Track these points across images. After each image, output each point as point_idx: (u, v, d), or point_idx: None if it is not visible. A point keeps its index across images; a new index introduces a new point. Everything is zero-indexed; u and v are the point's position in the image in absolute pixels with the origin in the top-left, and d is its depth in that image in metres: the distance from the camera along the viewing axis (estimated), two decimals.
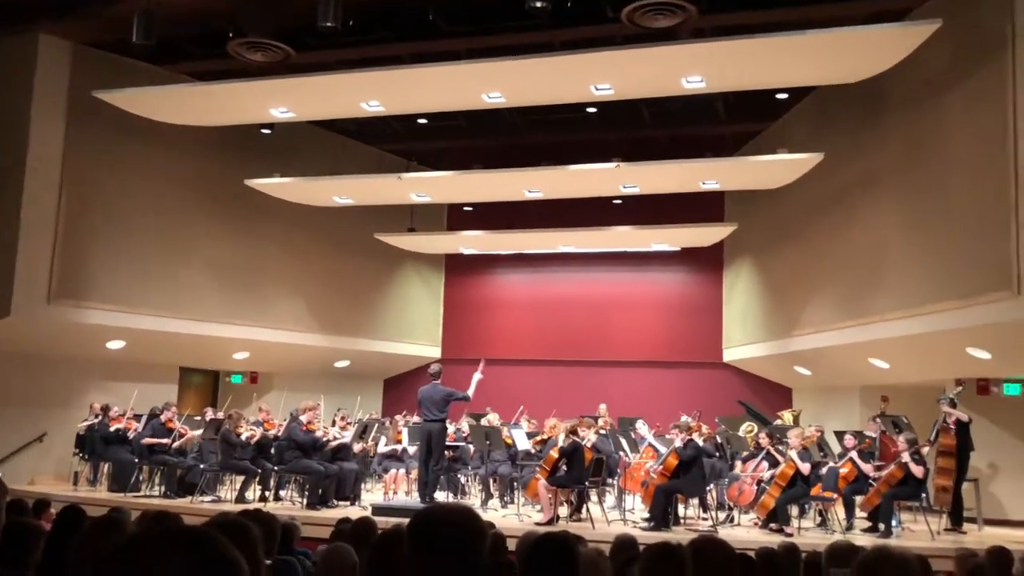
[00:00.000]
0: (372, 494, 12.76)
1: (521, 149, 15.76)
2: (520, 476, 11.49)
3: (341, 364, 17.68)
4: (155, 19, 10.53)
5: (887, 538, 9.61)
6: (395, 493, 12.33)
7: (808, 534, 10.00)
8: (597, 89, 10.67)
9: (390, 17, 11.73)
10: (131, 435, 12.45)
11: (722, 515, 11.12)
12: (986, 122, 9.88)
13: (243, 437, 11.63)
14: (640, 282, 18.37)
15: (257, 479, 11.79)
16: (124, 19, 10.85)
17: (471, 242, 17.06)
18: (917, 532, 10.28)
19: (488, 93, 11.02)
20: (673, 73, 10.24)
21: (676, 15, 9.75)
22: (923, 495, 10.43)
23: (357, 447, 12.29)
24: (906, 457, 10.02)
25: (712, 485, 11.21)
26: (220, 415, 12.71)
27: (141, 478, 12.56)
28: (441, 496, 11.55)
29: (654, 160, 12.88)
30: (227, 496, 11.88)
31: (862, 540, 9.03)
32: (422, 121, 15.29)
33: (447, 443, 11.59)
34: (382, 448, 13.04)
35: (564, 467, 10.51)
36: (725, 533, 9.71)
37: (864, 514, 10.60)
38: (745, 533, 10.13)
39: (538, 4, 9.53)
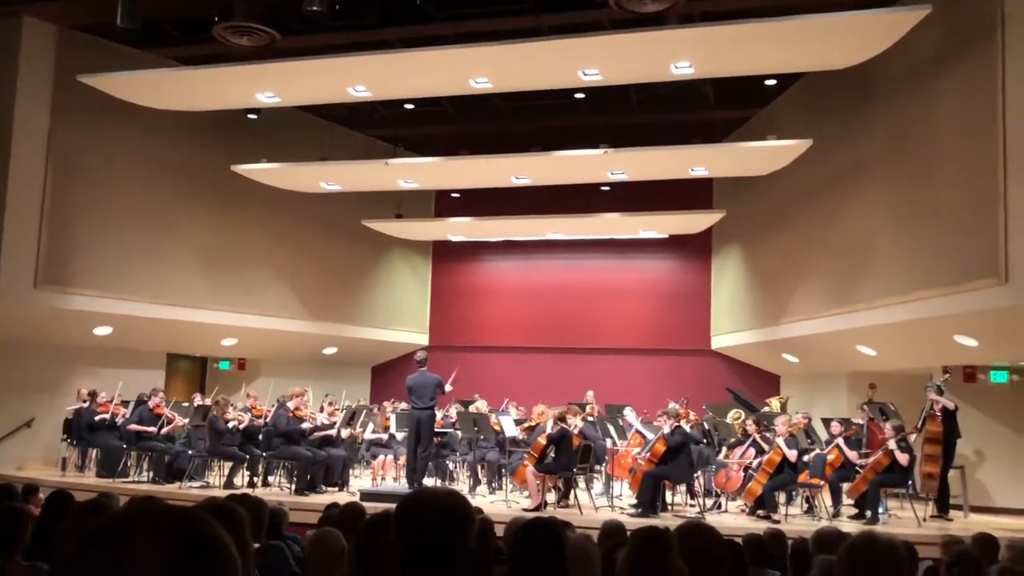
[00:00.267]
0: (360, 480, 12.77)
1: (508, 135, 15.72)
2: (508, 463, 11.51)
3: (329, 351, 17.65)
4: (139, 3, 10.42)
5: (873, 525, 9.67)
6: (383, 479, 12.34)
7: (795, 521, 10.05)
8: (585, 74, 10.63)
9: (377, 1, 11.65)
10: (119, 421, 12.40)
11: (709, 501, 11.16)
12: (975, 109, 9.89)
13: (230, 424, 11.59)
14: (628, 269, 18.38)
15: (245, 465, 11.78)
16: (108, 2, 10.73)
17: (459, 229, 17.02)
18: (903, 519, 10.35)
19: (475, 78, 10.96)
20: (661, 58, 10.21)
21: (664, 0, 9.71)
22: (909, 482, 10.49)
23: (345, 433, 12.28)
24: (892, 444, 10.07)
25: (699, 472, 11.24)
26: (208, 401, 12.67)
27: (129, 464, 12.53)
28: (429, 482, 11.56)
29: (642, 146, 12.86)
30: (215, 482, 11.86)
31: (849, 527, 9.08)
32: (409, 107, 15.23)
33: (435, 429, 11.61)
34: (369, 435, 13.04)
35: (552, 454, 10.53)
36: (712, 519, 9.75)
37: (851, 501, 10.66)
38: (732, 519, 10.18)
39: None
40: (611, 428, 11.83)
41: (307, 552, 3.73)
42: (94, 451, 12.83)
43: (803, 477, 10.50)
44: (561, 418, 10.68)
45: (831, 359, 14.18)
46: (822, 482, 10.54)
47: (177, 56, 13.36)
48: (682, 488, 11.37)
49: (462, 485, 12.59)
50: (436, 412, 11.63)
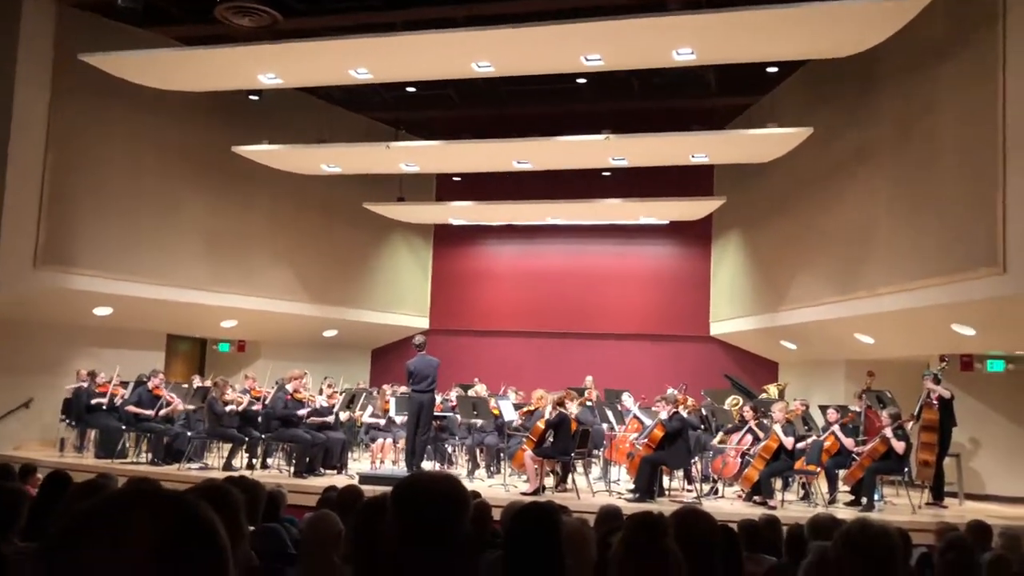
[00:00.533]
0: (359, 463, 12.82)
1: (510, 120, 15.70)
2: (507, 447, 11.55)
3: (329, 333, 17.68)
4: None
5: (869, 512, 9.71)
6: (382, 462, 12.38)
7: (791, 507, 10.09)
8: (587, 60, 10.61)
9: None
10: (118, 402, 12.43)
11: (706, 487, 11.20)
12: (975, 98, 9.87)
13: (228, 408, 11.57)
14: (628, 255, 18.39)
15: (244, 447, 11.81)
16: None
17: (460, 212, 17.01)
18: (899, 506, 10.40)
19: (477, 62, 10.93)
20: (664, 44, 10.18)
21: None
22: (905, 470, 10.53)
23: (344, 416, 12.31)
24: (888, 432, 10.10)
25: (697, 457, 11.28)
26: (207, 383, 12.69)
27: (128, 445, 12.56)
28: (428, 465, 11.60)
29: (644, 132, 12.85)
30: (214, 464, 11.89)
31: (844, 513, 9.12)
32: (411, 90, 15.19)
33: (435, 413, 11.65)
34: (367, 418, 13.07)
35: (551, 438, 10.56)
36: (709, 505, 9.80)
37: (847, 488, 10.70)
38: (729, 505, 10.22)
39: None
40: (609, 413, 11.86)
41: (304, 534, 3.75)
42: (93, 432, 12.85)
43: (799, 464, 10.53)
44: (560, 403, 10.71)
45: (829, 347, 14.20)
46: (818, 469, 10.58)
47: (178, 36, 13.32)
48: (679, 474, 11.41)
49: (461, 469, 12.64)
50: (436, 396, 11.65)
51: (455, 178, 18.12)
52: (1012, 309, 9.65)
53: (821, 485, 10.68)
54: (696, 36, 9.90)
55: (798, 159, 12.74)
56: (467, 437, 12.41)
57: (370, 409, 13.19)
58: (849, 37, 9.79)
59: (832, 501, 10.47)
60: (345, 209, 16.80)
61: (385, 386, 14.35)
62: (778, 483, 10.67)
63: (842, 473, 10.66)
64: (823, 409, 11.60)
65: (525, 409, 11.74)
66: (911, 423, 10.84)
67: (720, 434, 11.55)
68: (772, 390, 14.37)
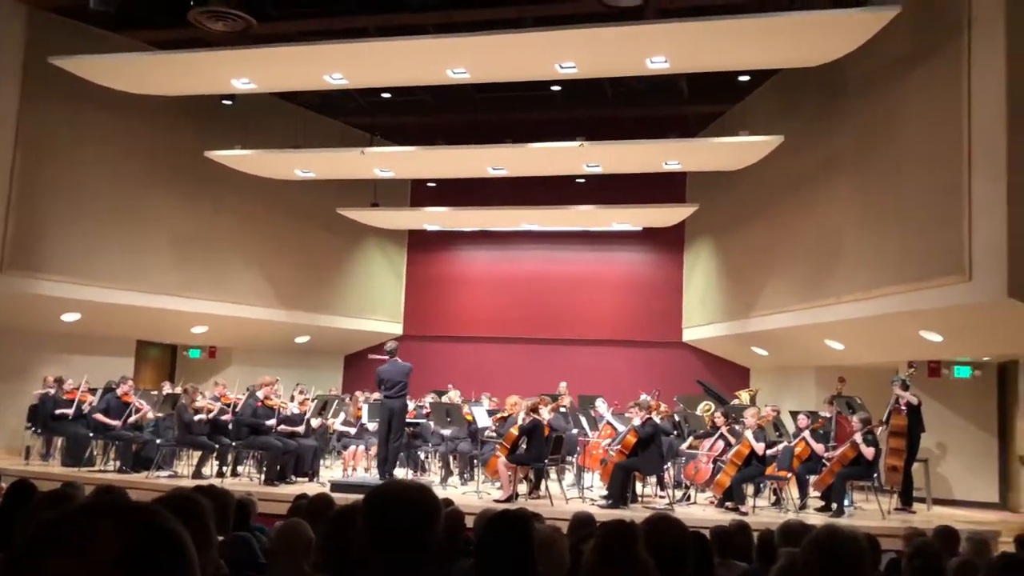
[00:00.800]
0: (331, 470, 12.74)
1: (485, 126, 15.71)
2: (480, 454, 11.53)
3: (301, 339, 17.58)
4: None
5: (839, 517, 9.80)
6: (354, 470, 12.31)
7: (763, 512, 10.15)
8: (562, 67, 10.65)
9: None
10: (86, 408, 12.26)
11: (679, 493, 11.25)
12: (941, 109, 10.02)
13: (197, 418, 11.43)
14: (602, 261, 18.45)
15: (215, 455, 11.70)
16: None
17: (434, 218, 17.00)
18: (868, 511, 10.49)
19: (453, 68, 10.95)
20: (637, 53, 10.25)
21: None
22: (875, 475, 10.64)
23: (316, 423, 12.24)
24: (858, 438, 10.20)
25: (669, 463, 11.33)
26: (177, 390, 12.56)
27: (95, 453, 12.39)
28: (401, 473, 11.56)
29: (617, 140, 12.91)
30: (184, 472, 11.77)
31: (815, 519, 9.21)
32: (386, 95, 15.16)
33: (407, 420, 11.60)
34: (339, 425, 13.01)
35: (524, 445, 10.56)
36: (681, 511, 9.84)
37: (817, 493, 10.78)
38: (701, 511, 10.28)
39: None
40: (583, 419, 11.89)
41: (273, 543, 3.73)
42: (59, 439, 12.66)
43: (771, 469, 10.61)
44: (533, 409, 10.70)
45: (800, 353, 14.33)
46: (789, 474, 10.66)
47: (152, 40, 13.22)
48: (652, 480, 11.45)
49: (434, 476, 12.61)
50: (408, 402, 11.61)
51: (430, 184, 18.11)
52: (978, 316, 9.80)
53: (792, 491, 10.77)
54: (669, 45, 9.99)
55: (769, 167, 12.86)
56: (440, 444, 12.38)
57: (342, 416, 13.12)
58: (818, 47, 9.93)
59: (803, 507, 10.56)
60: (319, 214, 16.73)
61: (358, 393, 14.29)
62: (750, 489, 10.73)
63: (813, 479, 10.75)
64: (794, 415, 11.69)
65: (499, 415, 11.74)
66: (880, 428, 10.95)
67: (691, 438, 11.61)
68: (744, 396, 14.46)
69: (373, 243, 18.64)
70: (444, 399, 13.12)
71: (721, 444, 10.87)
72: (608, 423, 11.84)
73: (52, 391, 12.58)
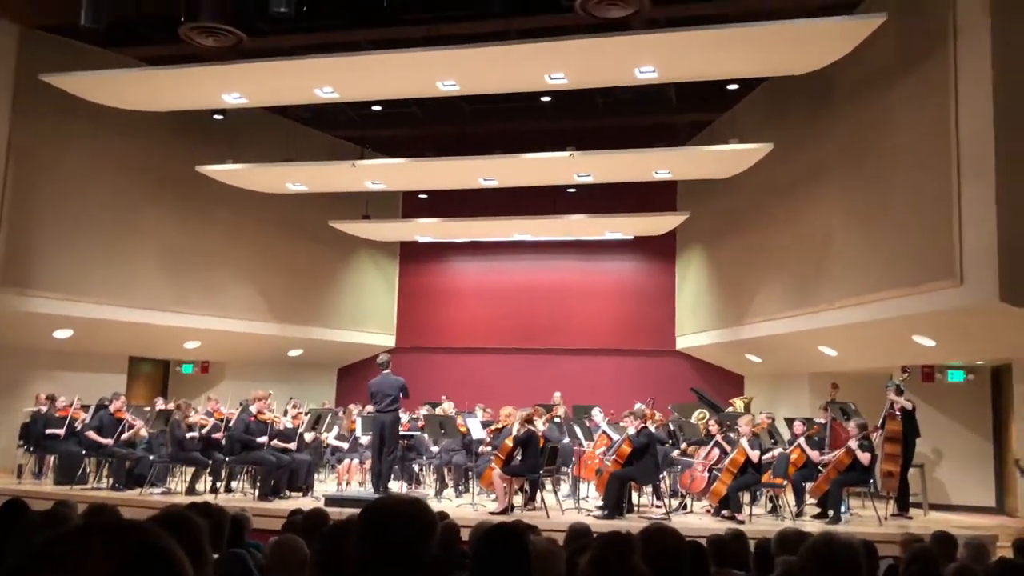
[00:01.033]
0: (325, 484, 12.68)
1: (476, 137, 15.74)
2: (475, 466, 11.50)
3: (294, 353, 17.53)
4: (104, 2, 10.31)
5: (836, 524, 9.79)
6: (348, 484, 12.26)
7: (759, 520, 10.14)
8: (551, 78, 10.68)
9: (345, 3, 11.60)
10: (78, 426, 12.19)
11: (675, 502, 11.23)
12: (930, 115, 10.09)
13: (189, 435, 11.37)
14: (594, 270, 18.47)
15: (208, 470, 11.64)
16: (73, 1, 10.60)
17: (426, 230, 17.00)
18: (865, 518, 10.48)
19: (443, 81, 10.97)
20: (626, 63, 10.29)
21: (629, 5, 9.78)
22: (870, 481, 10.63)
23: (309, 437, 12.19)
24: (853, 444, 10.20)
25: (665, 472, 11.32)
26: (170, 405, 12.51)
27: (88, 470, 12.32)
28: (395, 486, 11.52)
29: (607, 149, 12.95)
30: (177, 488, 11.71)
31: (811, 526, 9.20)
32: (376, 108, 15.18)
33: (401, 432, 11.56)
34: (332, 438, 12.97)
35: (519, 456, 10.54)
36: (678, 520, 9.82)
37: (813, 500, 10.78)
38: (697, 520, 10.25)
39: None
40: (577, 429, 11.87)
41: (268, 559, 3.71)
42: (52, 457, 12.58)
43: (766, 477, 10.60)
44: (528, 420, 10.68)
45: (793, 359, 14.35)
46: (785, 482, 10.66)
47: (142, 56, 13.22)
48: (648, 489, 11.43)
49: (428, 489, 12.57)
50: (401, 415, 11.57)
51: (421, 195, 18.12)
52: (970, 320, 9.84)
53: (788, 498, 10.76)
54: (657, 55, 10.03)
55: (759, 175, 12.91)
56: (435, 456, 12.34)
57: (336, 430, 13.08)
58: (805, 56, 9.98)
59: (799, 514, 10.54)
60: (310, 227, 16.72)
61: (351, 406, 14.25)
62: (746, 497, 10.73)
63: (809, 486, 10.74)
64: (789, 422, 11.70)
65: (493, 427, 11.71)
66: (875, 434, 10.96)
67: (684, 444, 11.62)
68: (738, 403, 14.46)
69: (365, 255, 18.63)
70: (438, 411, 13.09)
71: (716, 452, 10.86)
72: (604, 433, 11.83)
73: (44, 409, 12.50)
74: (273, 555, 3.62)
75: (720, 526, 8.60)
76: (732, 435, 11.01)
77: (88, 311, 13.49)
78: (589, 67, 10.56)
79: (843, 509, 10.38)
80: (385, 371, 10.96)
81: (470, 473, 11.80)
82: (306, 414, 12.43)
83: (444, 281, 19.28)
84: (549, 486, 11.61)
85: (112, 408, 12.10)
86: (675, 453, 11.45)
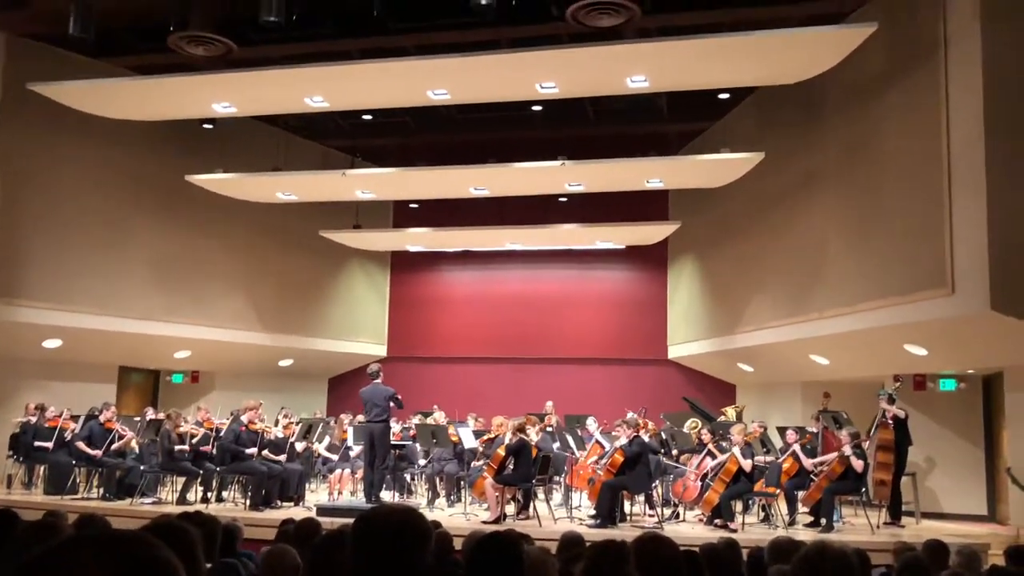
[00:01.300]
0: (316, 494, 12.63)
1: (466, 146, 15.75)
2: (467, 475, 11.47)
3: (285, 363, 17.48)
4: (92, 12, 10.31)
5: (828, 533, 9.80)
6: (340, 493, 12.22)
7: (752, 529, 10.14)
8: (542, 87, 10.69)
9: (334, 12, 11.61)
10: (68, 436, 12.13)
11: (668, 511, 11.22)
12: (921, 124, 10.13)
13: (177, 448, 11.31)
14: (586, 280, 18.47)
15: (199, 480, 11.59)
16: (61, 11, 10.59)
17: (417, 239, 16.98)
18: (857, 526, 10.50)
19: (433, 90, 10.97)
20: (617, 72, 10.31)
21: (620, 15, 9.82)
22: (863, 489, 10.64)
23: (300, 447, 12.16)
24: (848, 451, 10.21)
25: (657, 481, 11.31)
26: (160, 415, 12.45)
27: (79, 480, 12.25)
28: (387, 495, 11.48)
29: (599, 159, 12.96)
30: (168, 498, 11.65)
31: (804, 535, 9.19)
32: (367, 117, 15.18)
33: (393, 442, 11.55)
34: (323, 449, 12.94)
35: (511, 465, 10.52)
36: (670, 529, 9.82)
37: (806, 509, 10.78)
38: (690, 529, 10.25)
39: (483, 2, 9.53)
40: (570, 439, 11.85)
41: (260, 569, 3.68)
42: (42, 467, 12.52)
43: (759, 486, 10.61)
44: (520, 429, 10.68)
45: (785, 368, 14.37)
46: (778, 490, 10.66)
47: (131, 65, 13.19)
48: (640, 498, 11.42)
49: (420, 498, 12.53)
50: (391, 424, 11.54)
51: (412, 205, 18.11)
52: (961, 329, 9.87)
53: (781, 507, 10.75)
54: (649, 64, 10.05)
55: (750, 184, 12.94)
56: (426, 466, 12.31)
57: (327, 440, 13.04)
58: (796, 65, 10.02)
59: (792, 523, 10.55)
60: (301, 237, 16.69)
61: (343, 415, 14.21)
62: (738, 506, 10.72)
63: (801, 494, 10.74)
64: (781, 431, 11.71)
65: (485, 436, 11.70)
66: (866, 442, 10.97)
67: (675, 452, 11.62)
68: (730, 412, 14.48)
69: (356, 265, 18.60)
70: (429, 420, 13.06)
71: (709, 461, 10.86)
72: (597, 442, 11.81)
73: (34, 419, 12.44)
74: (265, 565, 3.60)
75: (713, 535, 8.60)
76: (724, 444, 11.02)
77: (77, 321, 13.42)
78: (580, 76, 10.58)
79: (835, 518, 10.39)
80: (375, 381, 10.96)
81: (462, 482, 11.77)
82: (297, 424, 12.39)
83: (435, 291, 19.25)
84: (541, 495, 11.58)
85: (102, 418, 12.04)
86: (664, 459, 11.43)
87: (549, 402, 14.80)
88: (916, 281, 10.02)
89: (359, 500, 11.39)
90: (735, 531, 9.63)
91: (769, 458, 11.23)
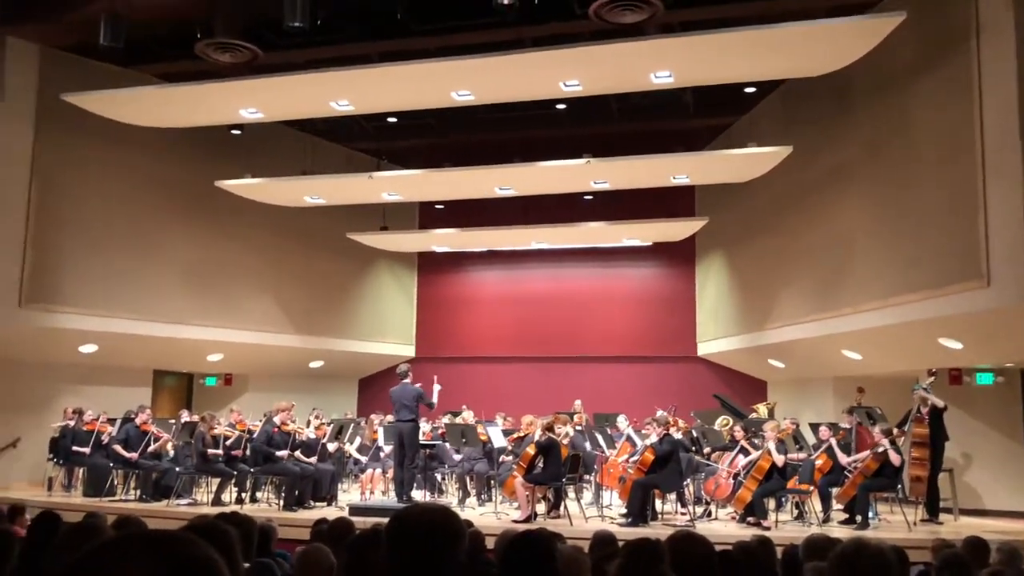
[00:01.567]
0: (348, 494, 12.72)
1: (491, 146, 15.76)
2: (497, 474, 11.49)
3: (315, 364, 17.60)
4: (122, 21, 10.44)
5: (863, 530, 9.70)
6: (372, 493, 12.29)
7: (785, 527, 10.06)
8: (566, 85, 10.67)
9: (358, 16, 11.67)
10: (105, 439, 12.33)
11: (699, 509, 11.17)
12: (952, 114, 9.98)
13: (211, 452, 11.43)
14: (613, 277, 18.42)
15: (233, 481, 11.71)
16: (91, 21, 10.74)
17: (443, 240, 17.02)
18: (894, 523, 10.37)
19: (457, 91, 10.99)
20: (641, 68, 10.26)
21: (643, 10, 9.78)
22: (899, 486, 10.51)
23: (332, 447, 12.25)
24: (886, 444, 10.09)
25: (689, 479, 11.25)
26: (195, 418, 12.61)
27: (116, 482, 12.44)
28: (418, 495, 11.53)
29: (624, 155, 12.91)
30: (203, 499, 11.79)
31: (839, 532, 9.12)
32: (392, 120, 15.24)
33: (423, 441, 11.60)
34: (354, 449, 13.02)
35: (541, 464, 10.52)
36: (703, 527, 9.77)
37: (840, 506, 10.67)
38: (723, 527, 10.19)
39: (505, 1, 9.53)
40: (599, 437, 11.83)
41: (295, 569, 3.71)
42: (81, 470, 12.73)
43: (792, 483, 10.52)
44: (549, 427, 10.67)
45: (817, 364, 14.23)
46: (811, 487, 10.56)
47: (160, 73, 13.35)
48: (672, 496, 11.37)
49: (451, 497, 12.57)
50: (420, 424, 11.59)
51: (438, 206, 18.16)
52: (998, 322, 9.72)
53: (815, 504, 10.66)
54: (673, 59, 9.98)
55: (778, 178, 12.82)
56: (457, 465, 12.34)
57: (358, 441, 13.13)
58: (824, 56, 9.90)
59: (826, 520, 10.45)
60: (329, 239, 16.79)
61: (373, 416, 14.29)
62: (771, 503, 10.64)
63: (835, 491, 10.64)
64: (814, 427, 11.60)
65: (514, 435, 11.71)
66: (899, 437, 10.85)
67: (707, 449, 11.56)
68: (761, 409, 14.37)
69: (383, 266, 18.69)
70: (458, 420, 13.11)
71: (741, 458, 10.79)
72: (628, 439, 11.77)
73: (72, 423, 12.66)
74: (300, 564, 3.63)
75: (746, 533, 8.55)
76: (756, 441, 10.94)
77: (112, 326, 13.61)
78: (604, 73, 10.53)
79: (871, 515, 10.27)
80: (404, 381, 11.02)
81: (492, 481, 11.79)
82: (329, 425, 12.49)
83: (462, 291, 19.29)
84: (572, 494, 11.57)
85: (138, 421, 12.24)
86: (696, 457, 11.37)
87: (578, 401, 14.78)
88: (949, 274, 9.89)
89: (391, 500, 11.45)
90: (768, 529, 9.57)
91: (802, 455, 11.12)
